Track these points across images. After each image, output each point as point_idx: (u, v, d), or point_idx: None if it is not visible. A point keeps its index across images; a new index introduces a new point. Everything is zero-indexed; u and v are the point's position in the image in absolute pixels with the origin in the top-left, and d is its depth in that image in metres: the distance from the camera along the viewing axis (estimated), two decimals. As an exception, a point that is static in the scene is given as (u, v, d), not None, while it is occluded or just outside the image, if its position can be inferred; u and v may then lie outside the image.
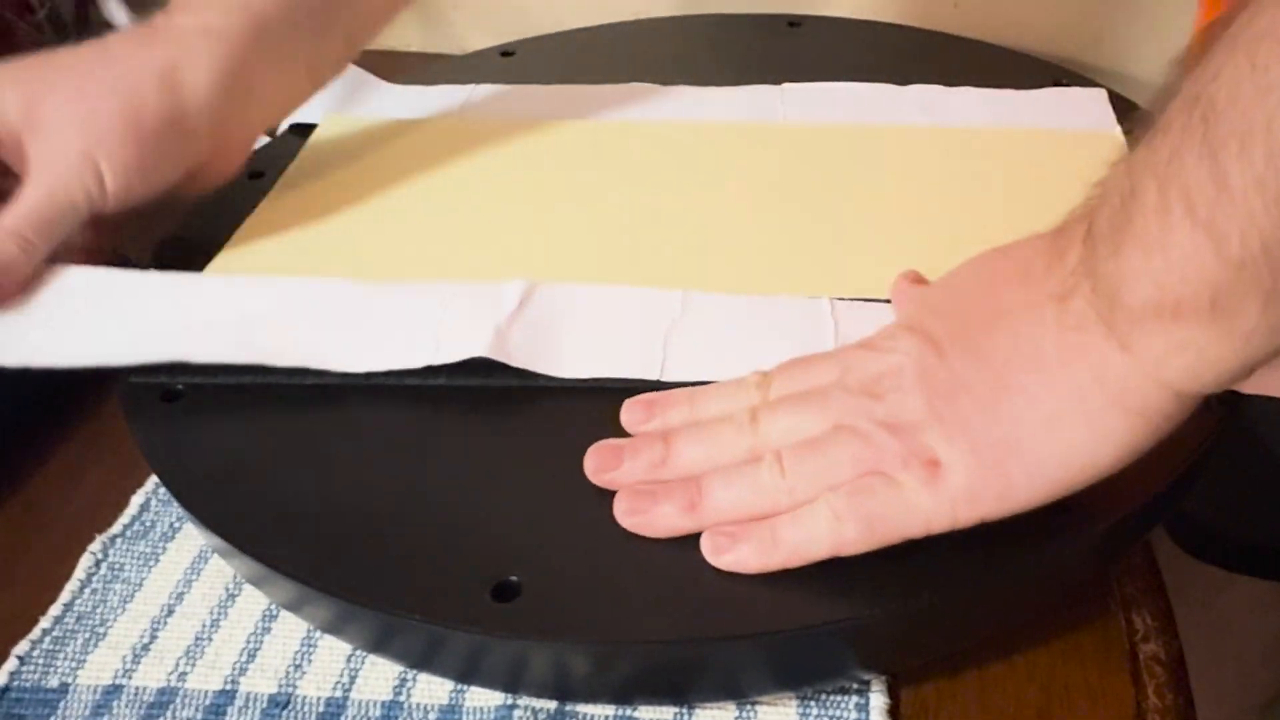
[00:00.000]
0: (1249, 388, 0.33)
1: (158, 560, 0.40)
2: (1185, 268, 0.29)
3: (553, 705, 0.35)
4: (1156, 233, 0.29)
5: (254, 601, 0.38)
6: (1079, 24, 0.67)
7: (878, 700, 0.34)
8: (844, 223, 0.48)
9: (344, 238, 0.50)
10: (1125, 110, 0.54)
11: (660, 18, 0.67)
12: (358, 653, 0.37)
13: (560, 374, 0.41)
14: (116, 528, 0.41)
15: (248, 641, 0.37)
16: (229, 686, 0.36)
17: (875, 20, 0.65)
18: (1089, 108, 0.54)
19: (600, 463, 0.37)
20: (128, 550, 0.41)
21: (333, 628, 0.36)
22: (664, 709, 0.34)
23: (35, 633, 0.38)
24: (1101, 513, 0.34)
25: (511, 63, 0.63)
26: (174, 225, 0.51)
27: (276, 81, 0.48)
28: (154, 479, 0.43)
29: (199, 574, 0.40)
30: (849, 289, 0.44)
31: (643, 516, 0.35)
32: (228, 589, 0.39)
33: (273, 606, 0.38)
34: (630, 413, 0.38)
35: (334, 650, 0.37)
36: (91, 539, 0.41)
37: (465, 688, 0.35)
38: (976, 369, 0.33)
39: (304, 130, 0.57)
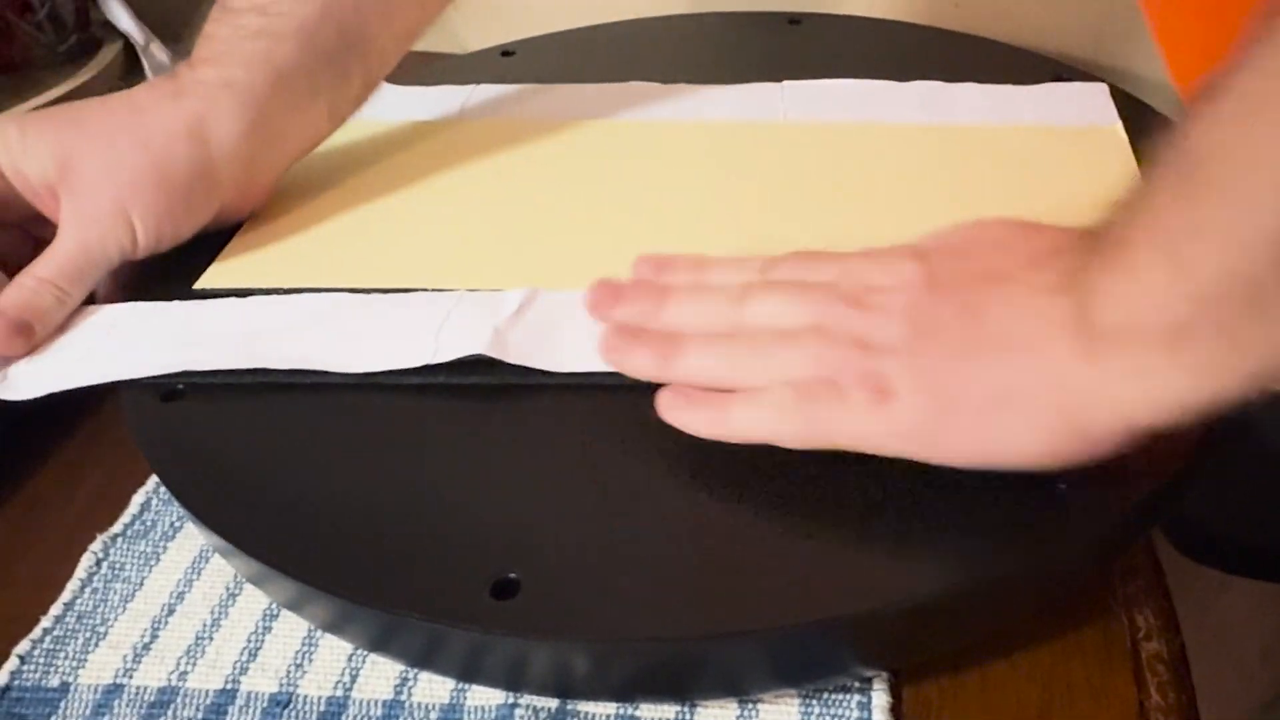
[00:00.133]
0: None
1: (158, 560, 0.40)
2: (1152, 295, 0.30)
3: (554, 704, 0.34)
4: (1134, 258, 0.30)
5: (255, 601, 0.38)
6: (1079, 19, 0.67)
7: (880, 698, 0.34)
8: (845, 220, 0.48)
9: (345, 237, 0.50)
10: (1126, 105, 0.54)
11: (660, 17, 0.67)
12: (359, 652, 0.37)
13: (559, 369, 0.41)
14: (117, 527, 0.41)
15: (249, 641, 0.37)
16: (230, 686, 0.36)
17: (876, 17, 0.65)
18: (1091, 103, 0.54)
19: (599, 299, 0.40)
20: (128, 550, 0.41)
21: (333, 627, 0.36)
22: (666, 707, 0.34)
23: (36, 632, 0.38)
24: (1101, 510, 0.34)
25: (512, 63, 0.63)
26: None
27: (298, 126, 0.50)
28: (154, 478, 0.43)
29: (200, 573, 0.40)
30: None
31: (620, 355, 0.38)
32: (228, 588, 0.39)
33: (273, 606, 0.38)
34: (642, 266, 0.41)
35: (335, 649, 0.37)
36: (92, 538, 0.41)
37: (466, 686, 0.35)
38: (960, 321, 0.34)
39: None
